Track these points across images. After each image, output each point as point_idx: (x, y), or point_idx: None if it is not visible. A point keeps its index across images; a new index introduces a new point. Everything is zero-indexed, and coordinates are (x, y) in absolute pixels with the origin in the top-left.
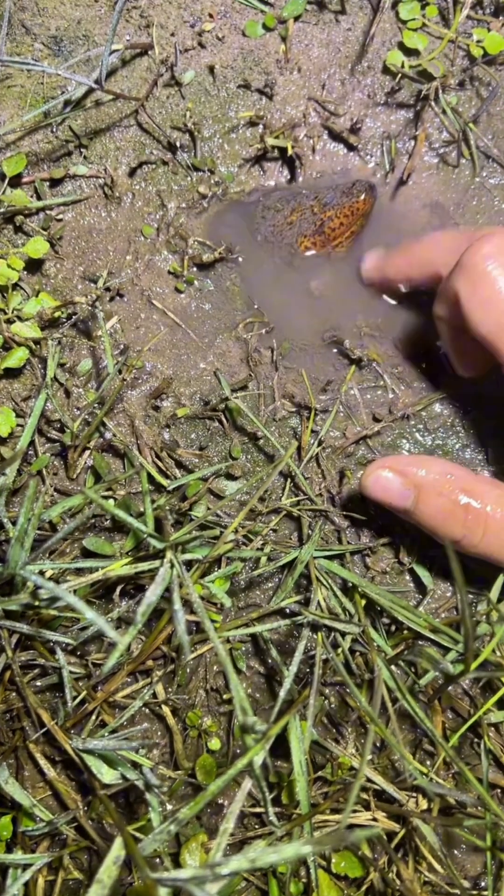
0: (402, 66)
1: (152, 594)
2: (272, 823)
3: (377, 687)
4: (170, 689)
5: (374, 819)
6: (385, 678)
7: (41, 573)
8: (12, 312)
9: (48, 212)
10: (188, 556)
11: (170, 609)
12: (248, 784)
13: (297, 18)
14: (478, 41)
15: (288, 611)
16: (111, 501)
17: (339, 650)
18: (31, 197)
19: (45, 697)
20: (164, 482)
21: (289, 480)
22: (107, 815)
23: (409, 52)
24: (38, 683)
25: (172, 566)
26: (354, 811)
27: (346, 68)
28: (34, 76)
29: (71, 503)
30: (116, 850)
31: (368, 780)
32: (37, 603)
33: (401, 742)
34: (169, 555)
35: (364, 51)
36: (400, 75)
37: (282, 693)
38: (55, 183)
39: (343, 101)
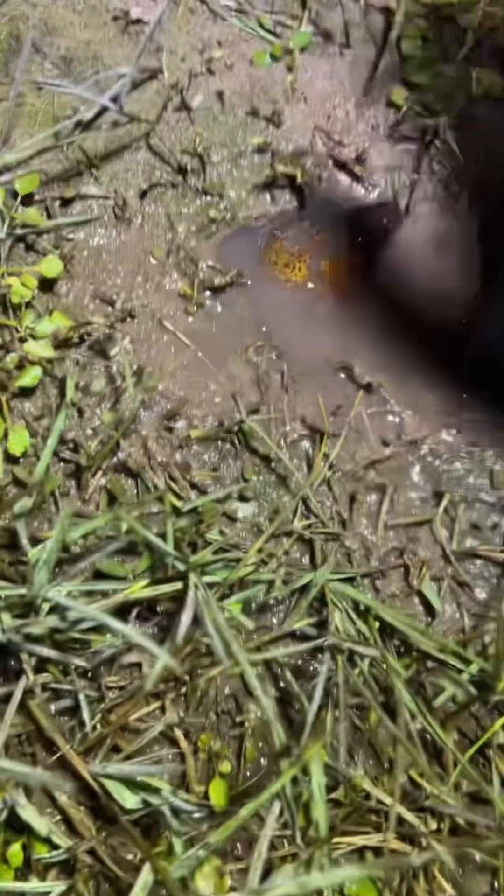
0: (406, 101)
1: (187, 617)
2: (299, 847)
3: (399, 710)
4: (184, 713)
5: (385, 841)
6: (406, 701)
7: (70, 595)
8: (25, 331)
9: (59, 231)
10: (208, 579)
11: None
12: (276, 808)
13: (303, 50)
14: (478, 80)
15: (298, 633)
16: (123, 525)
17: (357, 672)
18: (43, 216)
19: (57, 722)
20: (178, 504)
21: (300, 503)
22: (129, 841)
23: (413, 86)
24: (52, 708)
25: (197, 589)
26: (366, 833)
27: (351, 100)
28: (45, 95)
29: (95, 525)
30: (145, 876)
31: (379, 801)
32: (62, 626)
33: (423, 764)
34: (193, 577)
35: (369, 84)
36: (404, 108)
37: (310, 717)
38: (66, 203)
39: (348, 132)
